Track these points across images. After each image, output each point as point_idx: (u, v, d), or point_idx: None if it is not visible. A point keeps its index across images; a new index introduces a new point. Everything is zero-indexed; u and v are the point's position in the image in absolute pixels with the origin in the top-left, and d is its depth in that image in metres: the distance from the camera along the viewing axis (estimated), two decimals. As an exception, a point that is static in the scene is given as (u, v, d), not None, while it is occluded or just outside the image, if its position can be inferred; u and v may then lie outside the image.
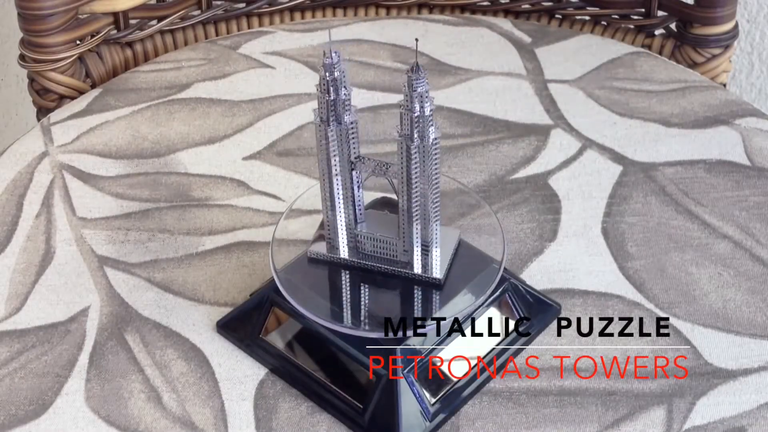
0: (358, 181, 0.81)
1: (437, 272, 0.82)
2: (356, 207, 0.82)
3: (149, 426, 0.81)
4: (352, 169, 0.80)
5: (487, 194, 0.96)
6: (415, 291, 0.82)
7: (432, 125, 0.77)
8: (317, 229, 0.85)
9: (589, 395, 0.83)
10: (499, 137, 1.01)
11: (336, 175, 0.80)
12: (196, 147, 1.01)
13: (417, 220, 0.80)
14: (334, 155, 0.79)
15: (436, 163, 0.78)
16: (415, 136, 0.77)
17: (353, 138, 0.79)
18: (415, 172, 0.78)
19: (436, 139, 0.77)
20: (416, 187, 0.79)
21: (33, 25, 1.04)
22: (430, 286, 0.82)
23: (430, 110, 0.76)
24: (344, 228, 0.82)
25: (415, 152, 0.77)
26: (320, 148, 0.79)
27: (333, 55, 0.77)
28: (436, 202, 0.80)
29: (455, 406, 0.82)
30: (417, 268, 0.82)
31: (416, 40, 0.78)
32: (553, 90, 1.06)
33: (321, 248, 0.84)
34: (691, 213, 0.94)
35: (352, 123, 0.79)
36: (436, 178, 0.79)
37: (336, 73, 0.77)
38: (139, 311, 0.88)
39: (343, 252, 0.83)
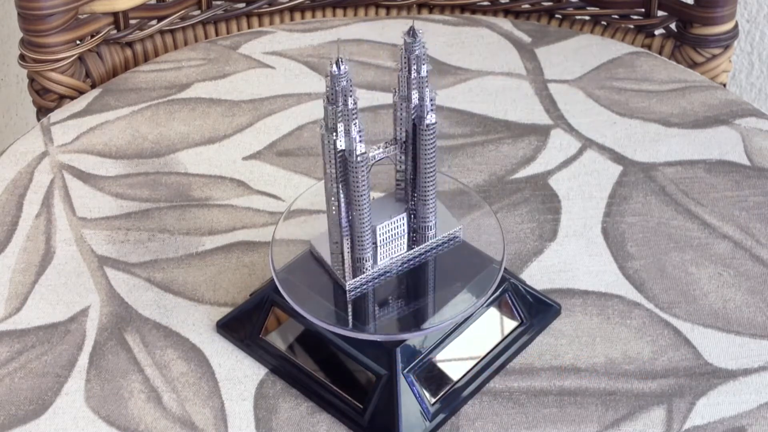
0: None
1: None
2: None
3: (149, 426, 0.81)
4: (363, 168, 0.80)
5: (487, 194, 0.96)
6: (417, 290, 0.83)
7: (428, 87, 0.78)
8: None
9: (589, 395, 0.82)
10: (499, 137, 1.01)
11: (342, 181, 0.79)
12: (196, 147, 1.01)
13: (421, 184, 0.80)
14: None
15: (433, 127, 0.79)
16: (413, 96, 0.77)
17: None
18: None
19: (432, 99, 0.78)
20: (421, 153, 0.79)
21: (33, 25, 1.04)
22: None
23: (426, 72, 0.77)
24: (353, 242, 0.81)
25: (414, 113, 0.78)
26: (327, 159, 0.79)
27: (341, 65, 0.76)
28: (432, 158, 0.80)
29: (455, 406, 0.82)
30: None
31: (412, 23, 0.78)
32: (553, 90, 1.06)
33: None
34: (691, 213, 0.94)
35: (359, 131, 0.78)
36: (432, 144, 0.79)
37: (343, 82, 0.76)
38: (139, 311, 0.88)
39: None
